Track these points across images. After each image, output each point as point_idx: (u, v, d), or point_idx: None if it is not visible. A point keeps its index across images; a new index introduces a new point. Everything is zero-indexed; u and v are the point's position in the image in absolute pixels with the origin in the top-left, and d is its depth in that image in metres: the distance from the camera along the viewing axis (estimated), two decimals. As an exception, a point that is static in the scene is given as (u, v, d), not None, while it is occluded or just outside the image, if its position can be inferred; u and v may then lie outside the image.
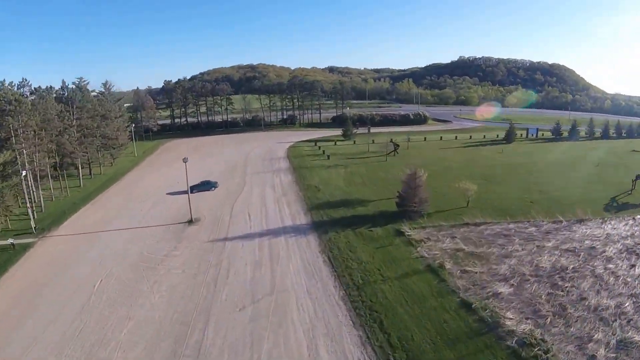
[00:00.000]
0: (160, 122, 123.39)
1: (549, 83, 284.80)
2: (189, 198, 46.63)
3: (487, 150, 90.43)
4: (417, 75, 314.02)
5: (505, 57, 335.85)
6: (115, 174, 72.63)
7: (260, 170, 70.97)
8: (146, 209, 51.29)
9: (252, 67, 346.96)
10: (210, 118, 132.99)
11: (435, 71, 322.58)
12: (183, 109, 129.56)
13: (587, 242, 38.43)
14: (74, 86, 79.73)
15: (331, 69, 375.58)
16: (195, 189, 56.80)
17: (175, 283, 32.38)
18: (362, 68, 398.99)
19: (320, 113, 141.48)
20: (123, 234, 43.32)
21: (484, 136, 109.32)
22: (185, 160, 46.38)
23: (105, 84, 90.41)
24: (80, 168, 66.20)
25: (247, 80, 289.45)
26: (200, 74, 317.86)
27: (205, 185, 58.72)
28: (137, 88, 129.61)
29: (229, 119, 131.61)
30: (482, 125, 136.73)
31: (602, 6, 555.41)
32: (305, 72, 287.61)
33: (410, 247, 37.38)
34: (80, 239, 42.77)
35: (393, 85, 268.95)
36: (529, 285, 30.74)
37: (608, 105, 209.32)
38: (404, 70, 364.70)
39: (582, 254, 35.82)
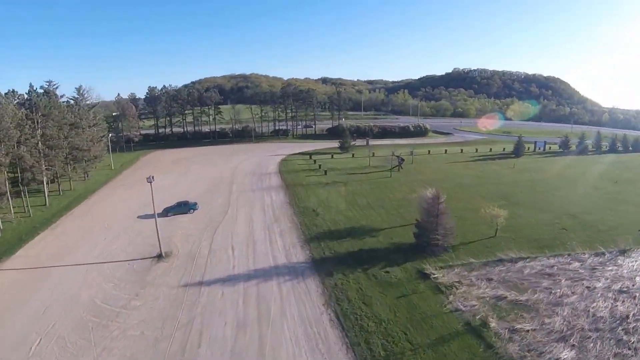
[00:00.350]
0: (143, 132, 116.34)
1: (545, 96, 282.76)
2: (157, 227, 37.51)
3: (497, 165, 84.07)
4: (412, 87, 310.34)
5: (500, 69, 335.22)
6: (86, 190, 63.91)
7: (248, 188, 62.55)
8: (110, 238, 42.54)
9: (244, 77, 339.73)
10: (197, 128, 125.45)
11: (430, 83, 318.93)
12: (168, 119, 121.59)
13: (637, 278, 33.48)
14: (41, 90, 71.46)
15: (324, 80, 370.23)
16: (170, 211, 48.52)
17: (130, 352, 23.92)
18: (356, 79, 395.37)
19: (315, 124, 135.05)
20: (78, 272, 34.80)
21: (491, 149, 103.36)
22: (149, 180, 36.82)
23: (79, 89, 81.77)
24: (46, 184, 57.36)
25: (239, 89, 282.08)
26: (192, 82, 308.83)
27: (182, 207, 49.93)
28: (119, 95, 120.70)
29: (218, 130, 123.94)
30: (485, 138, 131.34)
31: (602, 12, 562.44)
32: (298, 82, 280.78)
33: (440, 296, 29.44)
34: (29, 276, 34.56)
35: (388, 97, 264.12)
36: (591, 344, 25.19)
37: (606, 118, 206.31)
38: (398, 82, 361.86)
39: (637, 294, 30.95)
